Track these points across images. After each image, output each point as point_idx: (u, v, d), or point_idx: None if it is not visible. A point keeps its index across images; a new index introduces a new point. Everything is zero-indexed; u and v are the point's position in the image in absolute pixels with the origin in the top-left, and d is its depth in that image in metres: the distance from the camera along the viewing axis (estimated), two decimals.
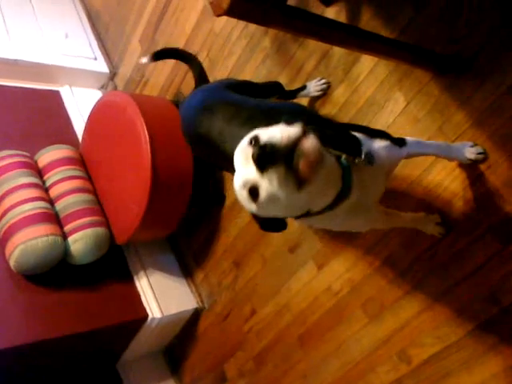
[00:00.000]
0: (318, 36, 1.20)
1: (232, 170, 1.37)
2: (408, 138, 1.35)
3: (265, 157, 0.87)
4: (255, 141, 0.92)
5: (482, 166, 1.50)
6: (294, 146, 0.87)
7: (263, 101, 1.49)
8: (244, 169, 0.96)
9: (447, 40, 1.53)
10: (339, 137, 1.13)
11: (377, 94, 1.72)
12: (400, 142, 1.31)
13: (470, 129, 1.50)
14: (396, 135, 1.65)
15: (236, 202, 2.34)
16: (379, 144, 1.20)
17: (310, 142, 0.88)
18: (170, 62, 2.65)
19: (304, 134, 0.88)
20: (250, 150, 0.93)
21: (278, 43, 2.05)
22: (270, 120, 1.26)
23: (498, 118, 1.45)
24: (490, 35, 1.44)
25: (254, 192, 0.93)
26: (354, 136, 1.16)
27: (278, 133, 0.89)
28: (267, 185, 0.90)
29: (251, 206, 0.97)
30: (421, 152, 1.47)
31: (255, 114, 1.34)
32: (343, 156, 1.03)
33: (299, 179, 0.89)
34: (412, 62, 1.49)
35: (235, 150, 1.01)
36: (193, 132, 1.47)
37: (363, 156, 1.07)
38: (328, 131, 1.13)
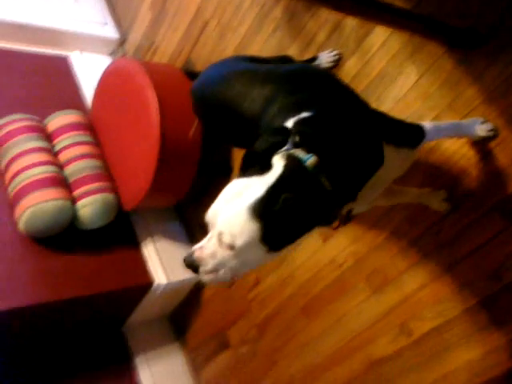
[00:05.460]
0: (331, 4, 1.18)
1: (245, 143, 1.37)
2: (426, 126, 1.34)
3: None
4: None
5: (492, 143, 1.49)
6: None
7: (283, 65, 1.49)
8: None
9: (462, 14, 1.50)
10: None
11: (389, 67, 1.70)
12: (419, 136, 1.31)
13: (482, 105, 1.49)
14: (406, 110, 1.66)
15: None
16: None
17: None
18: (180, 30, 2.62)
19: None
20: None
21: (289, 13, 2.02)
22: (290, 82, 1.23)
23: (510, 94, 1.43)
24: (505, 11, 1.41)
25: None
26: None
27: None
28: None
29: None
30: (436, 138, 1.47)
31: (274, 74, 1.31)
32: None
33: None
34: (426, 35, 1.47)
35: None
36: (208, 102, 1.44)
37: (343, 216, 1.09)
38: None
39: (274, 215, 0.93)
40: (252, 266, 1.02)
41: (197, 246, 1.01)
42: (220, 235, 0.96)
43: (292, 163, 0.98)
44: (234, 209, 0.95)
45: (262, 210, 0.93)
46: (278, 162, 0.99)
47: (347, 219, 1.11)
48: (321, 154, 1.00)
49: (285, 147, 1.02)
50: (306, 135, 1.03)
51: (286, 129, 1.06)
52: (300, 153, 0.99)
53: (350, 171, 1.05)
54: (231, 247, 0.96)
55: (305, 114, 1.08)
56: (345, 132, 1.08)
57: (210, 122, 1.54)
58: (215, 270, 1.00)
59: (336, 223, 1.05)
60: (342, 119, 1.10)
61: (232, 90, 1.32)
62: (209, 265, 0.99)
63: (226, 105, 1.33)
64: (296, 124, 1.07)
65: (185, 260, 1.01)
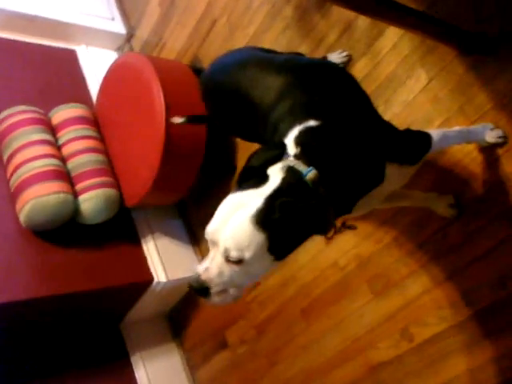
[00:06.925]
0: (343, 2, 1.17)
1: (253, 136, 1.35)
2: (434, 135, 1.31)
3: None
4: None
5: (501, 150, 1.48)
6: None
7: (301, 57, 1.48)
8: None
9: (475, 18, 1.49)
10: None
11: (398, 70, 1.69)
12: (423, 150, 1.28)
13: (492, 110, 1.48)
14: (415, 114, 1.65)
15: None
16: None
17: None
18: (189, 27, 2.61)
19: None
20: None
21: (300, 12, 2.01)
22: (307, 77, 1.21)
23: None
24: None
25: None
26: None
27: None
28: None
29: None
30: (445, 147, 1.46)
31: (291, 64, 1.29)
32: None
33: None
34: (438, 38, 1.46)
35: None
36: (219, 88, 1.41)
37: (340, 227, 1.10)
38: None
39: (276, 223, 0.93)
40: (257, 278, 1.01)
41: (201, 269, 0.98)
42: (226, 252, 0.94)
43: (291, 176, 0.98)
44: (236, 223, 0.94)
45: (265, 219, 0.93)
46: (276, 175, 0.98)
47: (340, 229, 1.11)
48: (321, 167, 0.99)
49: (284, 159, 1.02)
50: (308, 147, 1.03)
51: (282, 144, 1.05)
52: (300, 165, 0.99)
53: (348, 187, 1.05)
54: (239, 262, 0.94)
55: (312, 123, 1.06)
56: (349, 149, 1.07)
57: (219, 110, 1.51)
58: (224, 289, 0.98)
59: (331, 233, 1.05)
60: (349, 134, 1.09)
61: (246, 75, 1.29)
62: (219, 285, 0.97)
63: (238, 91, 1.29)
64: (301, 133, 1.05)
65: (192, 285, 0.98)
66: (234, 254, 0.93)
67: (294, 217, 0.93)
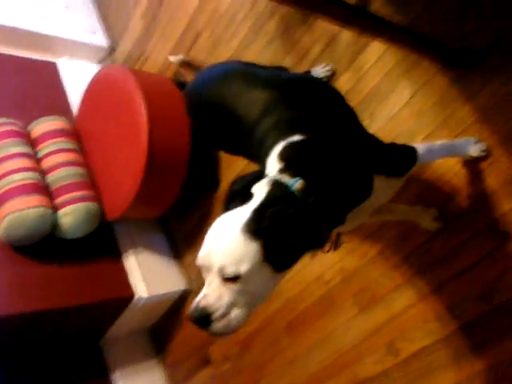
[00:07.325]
0: (328, 15, 1.17)
1: (238, 150, 1.34)
2: (419, 149, 1.32)
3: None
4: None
5: (484, 163, 1.49)
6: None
7: (285, 72, 1.48)
8: None
9: (458, 33, 1.51)
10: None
11: (382, 84, 1.70)
12: (410, 163, 1.29)
13: (475, 124, 1.49)
14: (399, 128, 1.66)
15: None
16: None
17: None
18: (172, 41, 2.61)
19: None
20: None
21: (284, 26, 2.01)
22: (291, 93, 1.21)
23: (503, 115, 1.44)
24: (502, 31, 1.42)
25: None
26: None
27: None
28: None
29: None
30: (429, 160, 1.47)
31: (276, 79, 1.29)
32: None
33: None
34: (421, 52, 1.47)
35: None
36: (204, 102, 1.40)
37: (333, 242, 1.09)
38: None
39: (268, 230, 0.91)
40: (261, 297, 0.96)
41: (199, 298, 0.94)
42: (221, 270, 0.90)
43: (277, 188, 0.97)
44: (226, 239, 0.92)
45: (255, 228, 0.91)
46: (262, 189, 0.98)
47: (337, 243, 1.10)
48: (307, 178, 0.98)
49: (268, 176, 1.01)
50: (293, 161, 1.03)
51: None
52: (285, 178, 0.98)
53: (336, 198, 1.04)
54: (236, 278, 0.90)
55: (296, 138, 1.06)
56: (334, 161, 1.06)
57: (203, 124, 1.50)
58: (226, 313, 0.92)
59: (327, 247, 1.04)
60: (334, 147, 1.08)
61: (230, 90, 1.29)
62: (219, 309, 0.91)
63: (223, 105, 1.29)
64: (285, 148, 1.05)
65: (191, 316, 0.93)
66: (229, 270, 0.89)
67: (284, 222, 0.91)
